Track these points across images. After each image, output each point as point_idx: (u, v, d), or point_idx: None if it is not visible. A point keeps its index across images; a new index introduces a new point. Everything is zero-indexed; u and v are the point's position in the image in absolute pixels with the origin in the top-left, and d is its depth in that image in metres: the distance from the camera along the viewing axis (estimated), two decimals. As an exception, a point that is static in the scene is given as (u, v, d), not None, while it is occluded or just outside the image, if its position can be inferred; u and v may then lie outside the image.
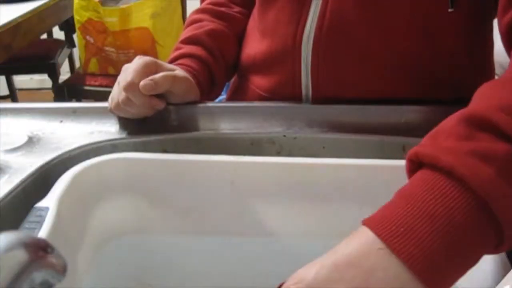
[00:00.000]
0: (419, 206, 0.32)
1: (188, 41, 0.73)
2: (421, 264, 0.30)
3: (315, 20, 0.62)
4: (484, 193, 0.31)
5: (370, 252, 0.31)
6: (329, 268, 0.31)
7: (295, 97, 0.66)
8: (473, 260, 0.32)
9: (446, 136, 0.35)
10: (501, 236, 0.32)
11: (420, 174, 0.34)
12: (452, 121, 0.36)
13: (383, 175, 0.50)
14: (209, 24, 0.74)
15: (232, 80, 0.81)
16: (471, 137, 0.34)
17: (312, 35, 0.62)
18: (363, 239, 0.32)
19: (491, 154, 0.32)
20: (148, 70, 0.59)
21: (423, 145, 0.35)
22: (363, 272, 0.31)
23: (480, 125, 0.34)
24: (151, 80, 0.57)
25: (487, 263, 0.42)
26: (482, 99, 0.38)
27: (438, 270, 0.31)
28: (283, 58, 0.66)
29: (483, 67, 0.68)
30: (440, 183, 0.32)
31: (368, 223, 0.33)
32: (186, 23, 0.78)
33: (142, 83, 0.56)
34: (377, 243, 0.31)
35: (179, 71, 0.63)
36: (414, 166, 0.36)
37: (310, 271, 0.32)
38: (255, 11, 0.73)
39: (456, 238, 0.31)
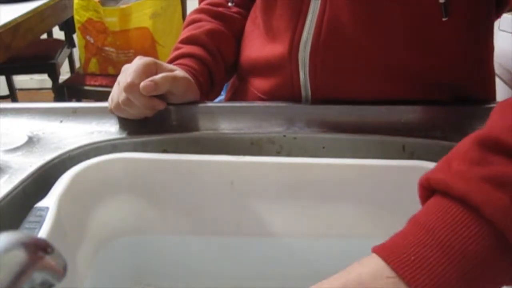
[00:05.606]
0: (432, 235, 0.31)
1: (187, 41, 0.73)
2: None
3: (312, 28, 0.62)
4: (499, 221, 0.30)
5: (381, 278, 0.30)
6: None
7: (295, 100, 0.66)
8: None
9: (459, 161, 0.33)
10: None
11: (433, 201, 0.33)
12: (466, 144, 0.34)
13: (383, 175, 0.50)
14: (208, 24, 0.74)
15: (231, 82, 0.81)
16: (484, 161, 0.32)
17: (309, 43, 0.62)
18: (373, 266, 0.31)
19: (505, 180, 0.30)
20: (148, 70, 0.59)
21: (435, 171, 0.34)
22: None
23: (494, 148, 0.32)
24: (151, 81, 0.57)
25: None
26: (497, 120, 0.36)
27: None
28: (281, 64, 0.66)
29: (484, 71, 0.68)
30: (453, 211, 0.31)
31: (378, 251, 0.32)
32: (184, 23, 0.78)
33: (142, 84, 0.56)
34: (387, 271, 0.31)
35: (179, 71, 0.63)
36: (427, 192, 0.35)
37: None
38: (257, 14, 0.73)
39: (470, 269, 0.29)
